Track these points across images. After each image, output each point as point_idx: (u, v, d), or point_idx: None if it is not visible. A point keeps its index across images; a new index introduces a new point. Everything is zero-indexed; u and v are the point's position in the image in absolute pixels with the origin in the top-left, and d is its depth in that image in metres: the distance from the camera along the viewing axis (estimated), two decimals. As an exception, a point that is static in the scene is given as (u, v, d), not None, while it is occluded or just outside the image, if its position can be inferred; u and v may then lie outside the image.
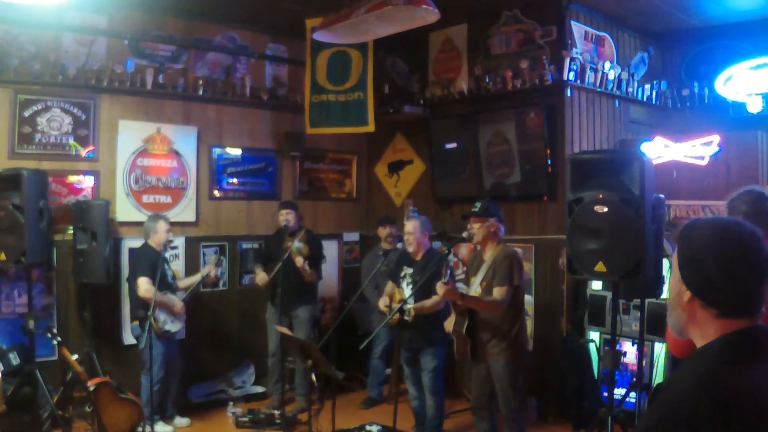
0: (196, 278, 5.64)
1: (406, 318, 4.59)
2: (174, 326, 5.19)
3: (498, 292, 4.10)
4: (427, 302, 4.65)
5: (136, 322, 5.16)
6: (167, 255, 5.46)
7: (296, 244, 5.55)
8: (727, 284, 1.33)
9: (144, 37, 5.85)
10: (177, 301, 5.27)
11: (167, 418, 5.30)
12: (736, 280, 1.33)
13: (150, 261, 5.14)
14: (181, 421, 5.39)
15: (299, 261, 5.57)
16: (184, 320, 5.37)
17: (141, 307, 5.04)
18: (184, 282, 5.64)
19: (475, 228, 4.27)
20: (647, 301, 4.26)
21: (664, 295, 4.30)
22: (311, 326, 5.87)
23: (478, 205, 4.29)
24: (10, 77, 5.17)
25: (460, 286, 6.07)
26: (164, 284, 5.15)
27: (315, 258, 5.81)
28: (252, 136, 6.57)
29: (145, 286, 5.03)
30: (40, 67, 5.29)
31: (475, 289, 4.26)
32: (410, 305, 4.58)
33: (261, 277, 5.67)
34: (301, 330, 5.72)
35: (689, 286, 1.37)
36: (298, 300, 5.70)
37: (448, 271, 4.12)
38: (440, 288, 4.04)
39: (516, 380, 4.15)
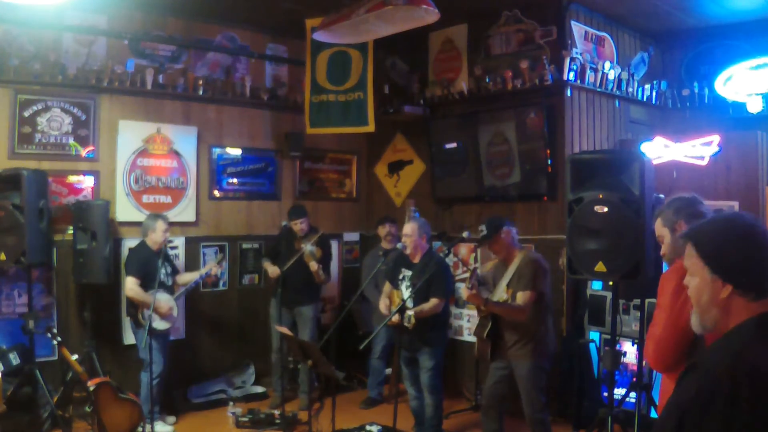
0: (194, 275, 5.63)
1: (406, 324, 4.57)
2: (161, 324, 5.14)
3: (522, 297, 4.14)
4: (426, 306, 4.63)
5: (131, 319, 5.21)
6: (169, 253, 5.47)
7: (309, 247, 5.62)
8: (758, 267, 1.46)
9: (144, 37, 5.85)
10: (164, 301, 5.17)
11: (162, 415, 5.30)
12: (763, 262, 1.46)
13: (141, 260, 5.15)
14: (168, 419, 5.39)
15: (313, 266, 5.69)
16: (174, 320, 5.33)
17: (130, 305, 5.15)
18: (184, 278, 5.63)
19: (495, 249, 4.33)
20: (647, 301, 4.25)
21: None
22: (315, 324, 5.93)
23: (484, 228, 4.25)
24: (10, 77, 5.17)
25: (459, 286, 6.12)
26: (157, 283, 5.13)
27: (326, 260, 5.93)
28: (252, 136, 6.57)
29: (129, 285, 5.06)
30: (40, 67, 5.29)
31: (500, 294, 4.29)
32: (410, 312, 4.56)
33: (273, 270, 5.72)
34: (306, 327, 5.79)
35: (728, 279, 1.47)
36: (303, 298, 5.81)
37: (474, 276, 4.13)
38: (465, 293, 4.08)
39: (540, 382, 4.20)
